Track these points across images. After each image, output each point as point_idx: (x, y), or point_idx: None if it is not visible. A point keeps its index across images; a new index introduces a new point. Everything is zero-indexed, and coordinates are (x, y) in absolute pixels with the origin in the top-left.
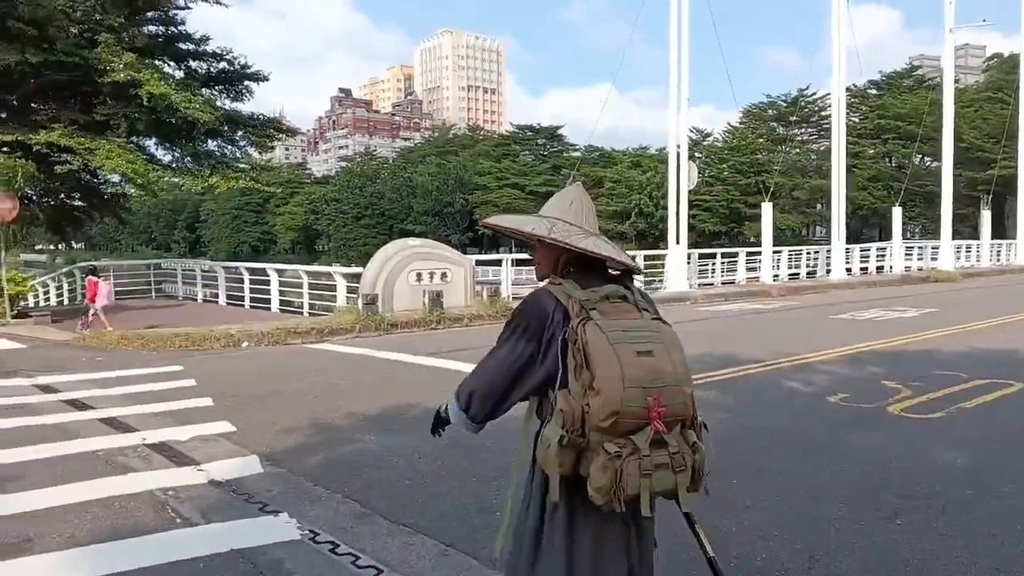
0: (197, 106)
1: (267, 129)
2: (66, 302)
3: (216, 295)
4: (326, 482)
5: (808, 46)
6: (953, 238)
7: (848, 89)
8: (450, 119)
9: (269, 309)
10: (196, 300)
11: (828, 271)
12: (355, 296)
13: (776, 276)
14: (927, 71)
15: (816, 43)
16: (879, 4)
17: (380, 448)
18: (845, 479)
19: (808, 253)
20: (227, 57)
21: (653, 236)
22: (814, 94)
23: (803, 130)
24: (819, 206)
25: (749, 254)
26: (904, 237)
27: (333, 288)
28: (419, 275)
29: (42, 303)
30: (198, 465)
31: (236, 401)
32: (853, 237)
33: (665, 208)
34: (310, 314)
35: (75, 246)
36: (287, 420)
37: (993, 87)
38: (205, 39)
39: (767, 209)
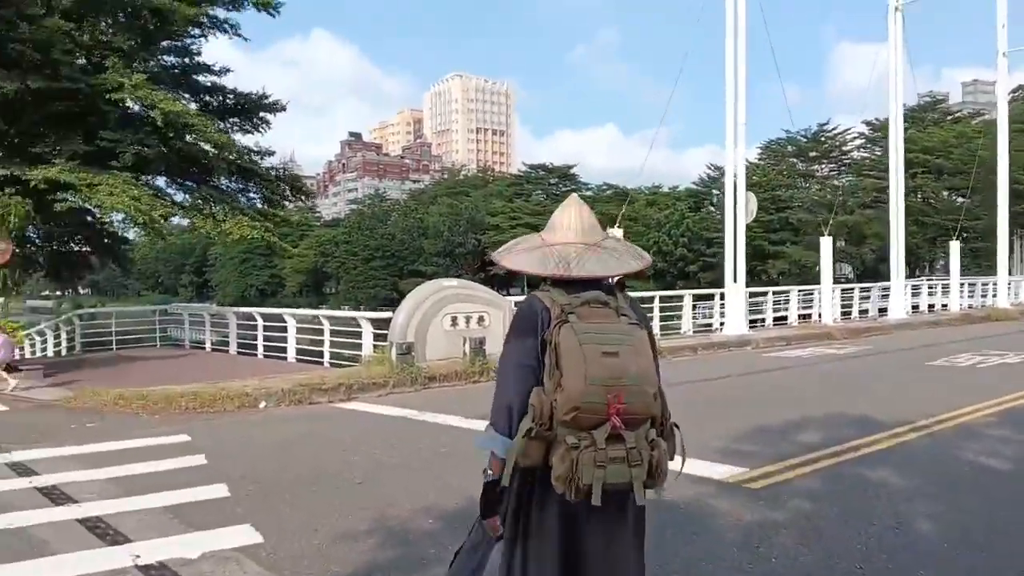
0: (213, 131)
1: (280, 184)
2: (64, 352)
3: (226, 342)
4: None
5: (806, 84)
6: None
7: (870, 123)
8: (459, 161)
9: (285, 359)
10: (204, 348)
11: (881, 310)
12: (383, 344)
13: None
14: (950, 104)
15: (814, 81)
16: (876, 44)
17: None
18: None
19: (860, 291)
20: (246, 95)
21: (671, 275)
22: (834, 129)
23: (822, 165)
24: (841, 242)
25: (802, 291)
26: (926, 274)
27: (357, 335)
28: (454, 319)
29: (38, 352)
30: None
31: (259, 490)
32: (875, 273)
33: (684, 246)
34: (331, 364)
35: (81, 291)
36: (332, 522)
37: (1022, 119)
38: (225, 70)
39: (826, 244)
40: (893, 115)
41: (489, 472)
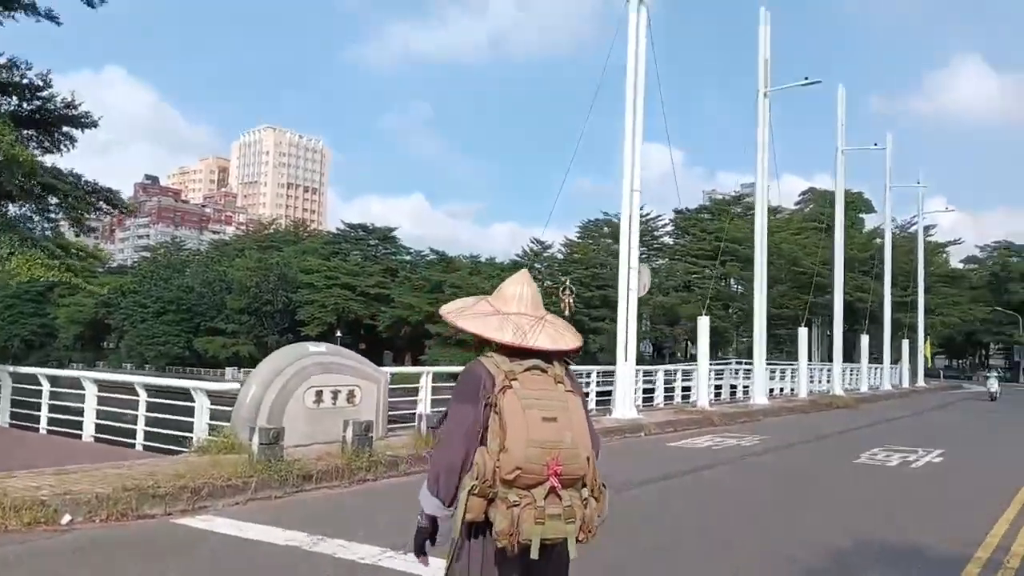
0: (7, 142)
1: (91, 198)
2: None
3: None
4: None
5: (597, 175)
6: (770, 358)
7: (680, 212)
8: (267, 216)
9: (80, 437)
10: None
11: (733, 392)
12: (222, 424)
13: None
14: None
15: (607, 172)
16: (655, 144)
17: None
18: None
19: (715, 373)
20: (44, 92)
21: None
22: (647, 214)
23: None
24: (647, 324)
25: (668, 372)
26: (716, 358)
27: (182, 411)
28: (319, 394)
29: None
30: None
31: None
32: (685, 352)
33: None
34: (144, 447)
35: None
36: None
37: (811, 217)
38: (13, 64)
39: (703, 323)
40: (760, 202)
41: (421, 520)
